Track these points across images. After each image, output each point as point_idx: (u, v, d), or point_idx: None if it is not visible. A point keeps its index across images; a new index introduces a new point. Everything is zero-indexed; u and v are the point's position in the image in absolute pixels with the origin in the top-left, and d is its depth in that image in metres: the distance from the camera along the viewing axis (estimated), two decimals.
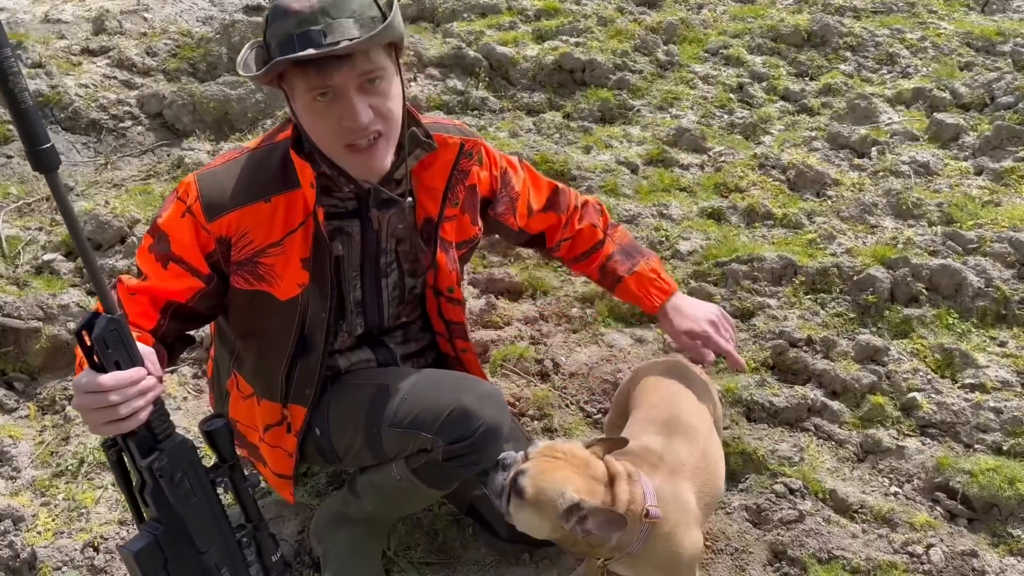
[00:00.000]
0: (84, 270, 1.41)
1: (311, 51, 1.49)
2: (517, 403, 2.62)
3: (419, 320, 2.04)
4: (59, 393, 2.69)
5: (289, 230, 1.69)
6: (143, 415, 1.31)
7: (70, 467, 2.40)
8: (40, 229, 3.39)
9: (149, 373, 1.34)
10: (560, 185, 2.12)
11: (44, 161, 1.13)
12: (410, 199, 1.80)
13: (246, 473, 1.48)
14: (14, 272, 3.13)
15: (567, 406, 2.66)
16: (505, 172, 2.00)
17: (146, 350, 1.37)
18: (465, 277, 3.19)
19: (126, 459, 1.36)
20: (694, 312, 2.04)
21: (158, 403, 1.35)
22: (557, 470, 1.62)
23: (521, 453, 1.71)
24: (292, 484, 1.96)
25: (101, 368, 1.29)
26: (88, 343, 1.28)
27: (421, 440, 1.74)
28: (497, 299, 3.10)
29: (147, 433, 1.33)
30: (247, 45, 1.63)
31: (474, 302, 3.09)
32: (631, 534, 1.62)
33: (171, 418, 1.39)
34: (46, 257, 3.19)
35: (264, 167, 1.69)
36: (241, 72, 1.59)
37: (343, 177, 1.70)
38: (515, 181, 2.01)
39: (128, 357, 1.31)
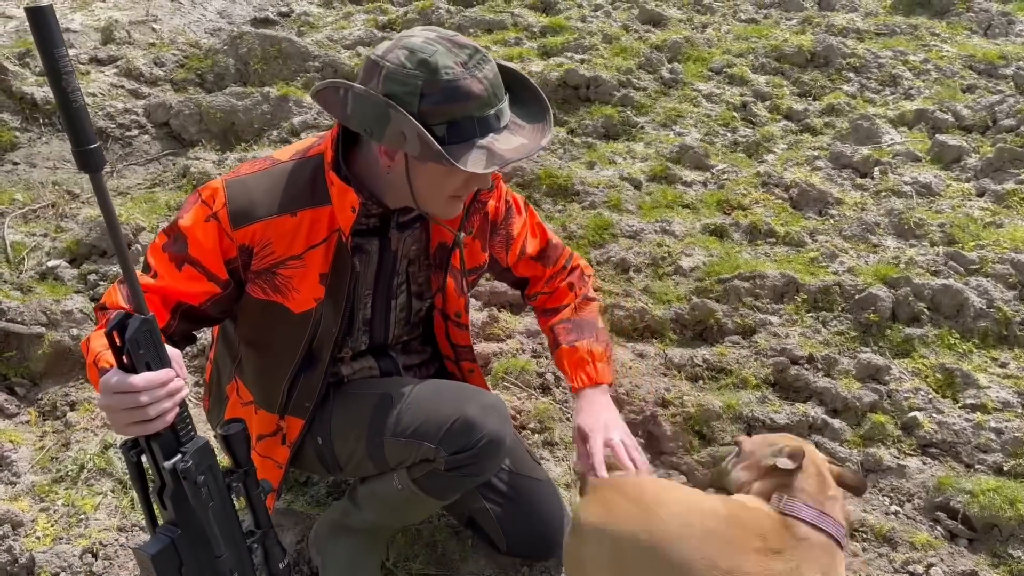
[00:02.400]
0: (120, 270, 1.36)
1: (517, 148, 1.54)
2: (518, 416, 2.62)
3: (420, 336, 2.05)
4: (60, 399, 2.69)
5: (311, 245, 1.69)
6: (170, 417, 1.31)
7: (70, 473, 2.40)
8: (45, 235, 3.40)
9: (177, 375, 1.34)
10: (555, 240, 2.13)
11: (91, 161, 1.13)
12: (462, 233, 1.84)
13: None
14: (18, 278, 3.13)
15: (568, 419, 2.66)
16: (509, 207, 2.03)
17: (174, 352, 1.37)
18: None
19: (146, 461, 1.36)
20: (599, 414, 1.90)
21: (182, 405, 1.35)
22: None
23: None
24: (275, 497, 1.96)
25: (130, 368, 1.29)
26: (118, 343, 1.28)
27: (424, 450, 1.74)
28: (499, 312, 3.11)
29: (171, 435, 1.33)
30: (387, 110, 1.49)
31: (476, 315, 3.09)
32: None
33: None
34: (50, 263, 3.20)
35: (294, 180, 1.69)
36: (458, 163, 1.48)
37: (375, 202, 1.72)
38: (516, 222, 2.04)
39: (158, 358, 1.31)
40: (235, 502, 1.43)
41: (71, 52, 4.89)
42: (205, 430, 2.40)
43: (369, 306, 1.86)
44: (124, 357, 1.29)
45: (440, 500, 1.87)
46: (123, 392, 1.26)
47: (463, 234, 1.85)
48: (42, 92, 4.30)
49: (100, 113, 4.34)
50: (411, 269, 1.89)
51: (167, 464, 1.31)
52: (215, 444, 1.49)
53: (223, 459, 1.44)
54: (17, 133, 4.16)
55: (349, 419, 1.84)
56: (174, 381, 1.31)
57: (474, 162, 1.50)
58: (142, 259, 1.75)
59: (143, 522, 2.23)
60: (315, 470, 2.01)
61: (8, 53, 4.52)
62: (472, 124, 1.51)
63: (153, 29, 5.44)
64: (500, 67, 1.62)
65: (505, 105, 1.57)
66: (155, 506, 1.37)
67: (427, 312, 1.98)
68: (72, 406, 2.66)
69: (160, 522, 1.37)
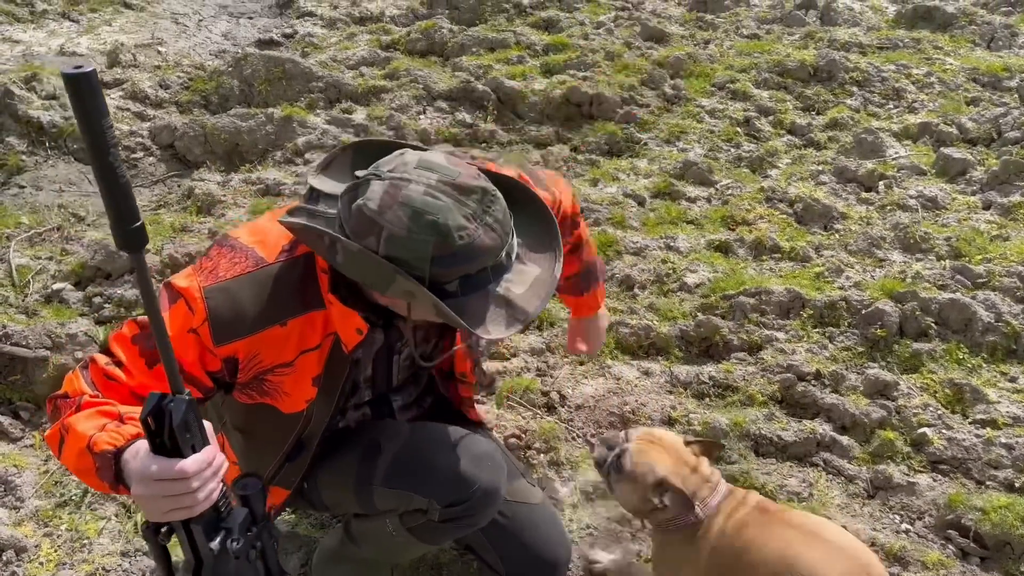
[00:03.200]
0: (161, 357, 1.13)
1: (533, 287, 1.44)
2: (523, 435, 2.61)
3: (426, 375, 1.99)
4: None
5: (303, 350, 1.56)
6: (215, 495, 1.22)
7: (73, 497, 2.39)
8: (50, 258, 3.41)
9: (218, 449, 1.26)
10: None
11: (134, 240, 1.03)
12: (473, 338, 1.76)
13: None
14: (23, 301, 3.14)
15: (574, 439, 2.64)
16: None
17: (206, 423, 1.27)
18: None
19: (179, 540, 1.26)
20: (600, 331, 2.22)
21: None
22: (653, 451, 1.90)
23: (623, 434, 1.97)
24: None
25: (173, 452, 1.18)
26: (152, 427, 1.17)
27: (416, 502, 1.70)
28: None
29: (213, 512, 1.25)
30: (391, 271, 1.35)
31: None
32: (681, 519, 1.87)
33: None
34: (56, 286, 3.20)
35: (282, 287, 1.53)
36: (477, 331, 1.38)
37: (374, 310, 1.60)
38: None
39: (202, 437, 1.21)
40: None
41: None
42: None
43: (369, 368, 1.77)
44: (156, 440, 1.19)
45: (434, 545, 1.84)
46: (172, 480, 1.17)
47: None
48: (48, 116, 4.33)
49: None
50: (417, 334, 1.80)
51: (213, 544, 1.23)
52: None
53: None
54: (24, 157, 4.18)
55: (337, 469, 1.79)
56: (217, 457, 1.23)
57: (494, 323, 1.40)
58: (102, 340, 1.51)
59: (146, 546, 2.22)
60: (303, 508, 1.97)
61: (15, 77, 4.56)
62: (486, 274, 1.41)
63: (159, 52, 5.48)
64: (499, 179, 1.52)
65: (514, 239, 1.47)
66: None
67: (432, 349, 1.89)
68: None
69: None
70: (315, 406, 1.64)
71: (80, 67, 0.91)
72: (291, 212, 1.46)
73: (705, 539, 1.85)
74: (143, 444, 1.23)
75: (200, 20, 6.20)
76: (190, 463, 1.16)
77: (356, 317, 1.54)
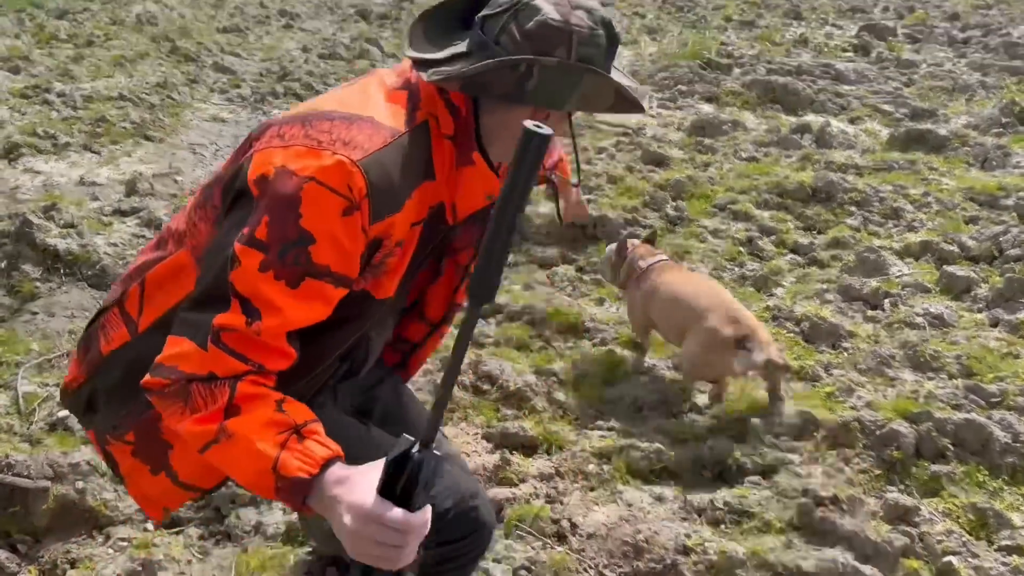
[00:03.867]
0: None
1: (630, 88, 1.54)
2: (533, 567, 2.52)
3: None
4: (61, 556, 2.61)
5: (413, 223, 1.51)
6: (412, 558, 1.23)
7: None
8: (57, 385, 3.41)
9: None
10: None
11: (488, 294, 1.11)
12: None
13: None
14: (28, 429, 3.12)
15: (586, 571, 2.55)
16: None
17: None
18: (479, 429, 3.15)
19: None
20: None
21: None
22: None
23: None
24: (182, 502, 1.74)
25: (401, 502, 1.18)
26: (391, 470, 1.18)
27: None
28: (511, 454, 3.04)
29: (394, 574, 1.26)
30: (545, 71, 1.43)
31: (487, 458, 3.03)
32: (630, 276, 3.55)
33: None
34: (61, 414, 3.18)
35: (415, 156, 1.48)
36: (627, 87, 1.52)
37: None
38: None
39: (427, 498, 1.21)
40: None
41: (95, 205, 5.07)
42: None
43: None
44: (397, 486, 1.19)
45: None
46: (396, 530, 1.17)
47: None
48: (64, 243, 4.43)
49: (120, 262, 4.45)
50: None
51: None
52: None
53: None
54: (38, 284, 4.25)
55: None
56: (429, 521, 1.22)
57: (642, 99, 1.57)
58: (233, 292, 1.33)
59: None
60: None
61: (34, 207, 4.69)
62: (602, 55, 1.52)
63: (175, 181, 5.66)
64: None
65: None
66: None
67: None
68: (72, 564, 2.58)
69: None
70: (398, 291, 1.59)
71: (539, 127, 1.00)
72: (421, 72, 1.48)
73: (638, 285, 3.45)
74: (345, 473, 1.24)
75: (217, 150, 6.43)
76: (417, 520, 1.17)
77: (495, 180, 1.56)
